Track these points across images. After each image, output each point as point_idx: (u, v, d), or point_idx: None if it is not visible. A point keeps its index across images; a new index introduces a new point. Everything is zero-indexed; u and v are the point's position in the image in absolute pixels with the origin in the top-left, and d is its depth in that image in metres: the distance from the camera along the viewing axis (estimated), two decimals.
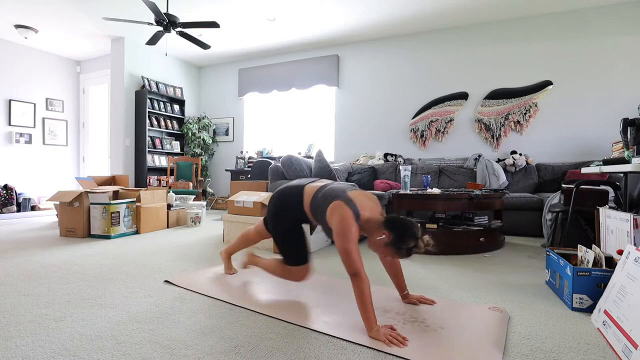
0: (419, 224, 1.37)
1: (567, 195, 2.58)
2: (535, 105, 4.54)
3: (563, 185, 2.64)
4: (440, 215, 3.07)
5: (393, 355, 1.17)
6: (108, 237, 3.23)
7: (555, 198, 3.03)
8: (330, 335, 1.31)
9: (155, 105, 5.85)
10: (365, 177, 4.58)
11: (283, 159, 3.64)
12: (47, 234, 3.47)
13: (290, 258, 1.73)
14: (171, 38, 5.52)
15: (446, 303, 1.65)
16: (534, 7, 4.35)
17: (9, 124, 5.64)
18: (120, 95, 5.57)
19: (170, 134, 6.26)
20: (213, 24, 3.90)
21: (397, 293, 1.76)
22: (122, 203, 3.35)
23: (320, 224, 1.64)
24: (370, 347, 1.22)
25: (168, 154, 6.14)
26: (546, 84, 4.49)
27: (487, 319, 1.45)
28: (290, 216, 1.72)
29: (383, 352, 1.19)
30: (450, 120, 4.96)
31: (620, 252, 1.55)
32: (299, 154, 5.71)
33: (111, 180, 4.52)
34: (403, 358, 1.15)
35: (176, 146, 6.22)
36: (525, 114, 4.58)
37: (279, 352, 1.19)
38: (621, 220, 1.74)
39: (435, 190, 2.98)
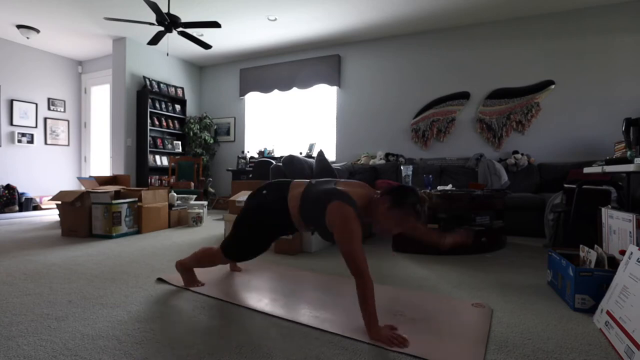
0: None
1: (569, 195, 2.57)
2: (537, 105, 4.53)
3: (565, 185, 2.63)
4: (442, 215, 3.05)
5: (396, 352, 1.17)
6: (110, 237, 3.23)
7: (557, 198, 3.02)
8: (331, 332, 1.31)
9: (157, 105, 5.85)
10: (367, 177, 4.57)
11: (285, 159, 3.64)
12: (48, 234, 3.48)
13: (237, 249, 1.67)
14: (172, 38, 5.52)
15: (442, 298, 1.65)
16: (536, 6, 4.33)
17: (11, 124, 5.65)
18: (122, 95, 5.57)
19: (171, 134, 6.27)
20: (214, 24, 3.90)
21: (391, 290, 1.81)
22: (123, 203, 3.36)
23: (314, 228, 1.56)
24: (371, 344, 1.22)
25: (169, 153, 6.14)
26: (548, 83, 4.48)
27: (472, 315, 1.47)
28: (271, 221, 1.63)
29: (385, 349, 1.19)
30: (452, 120, 4.95)
31: (622, 253, 1.54)
32: (300, 154, 5.70)
33: (113, 180, 4.52)
34: (409, 355, 1.15)
35: (177, 146, 6.23)
36: (527, 113, 4.56)
37: (280, 351, 1.19)
38: (624, 220, 1.73)
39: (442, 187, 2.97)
